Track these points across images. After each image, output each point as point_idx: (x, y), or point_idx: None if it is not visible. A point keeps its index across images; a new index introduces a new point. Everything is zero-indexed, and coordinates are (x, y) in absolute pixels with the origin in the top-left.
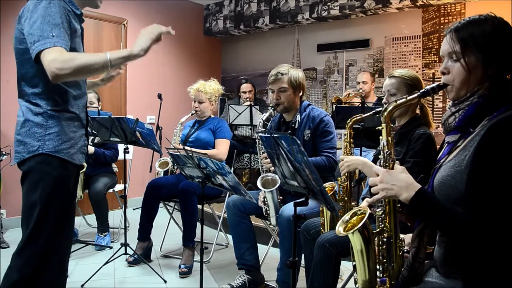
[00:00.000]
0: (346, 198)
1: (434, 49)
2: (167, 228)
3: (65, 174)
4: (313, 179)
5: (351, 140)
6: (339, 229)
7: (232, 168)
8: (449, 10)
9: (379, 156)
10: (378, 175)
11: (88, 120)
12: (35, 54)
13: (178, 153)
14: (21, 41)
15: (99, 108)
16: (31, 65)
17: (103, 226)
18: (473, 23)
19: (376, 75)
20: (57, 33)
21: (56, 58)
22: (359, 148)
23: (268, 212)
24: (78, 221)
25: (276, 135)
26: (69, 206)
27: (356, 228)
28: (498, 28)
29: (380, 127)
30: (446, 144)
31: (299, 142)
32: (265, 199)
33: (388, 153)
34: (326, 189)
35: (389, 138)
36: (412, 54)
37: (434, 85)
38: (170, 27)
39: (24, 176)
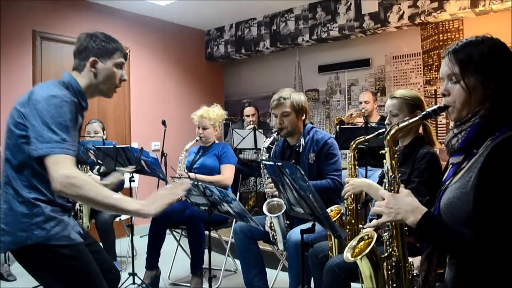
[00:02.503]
0: (353, 221)
1: (434, 66)
2: (175, 255)
3: (65, 256)
4: (319, 207)
5: (356, 162)
6: (347, 255)
7: (238, 193)
8: (447, 27)
9: (384, 180)
10: (383, 199)
11: (74, 203)
12: (38, 154)
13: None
14: (18, 125)
15: (104, 138)
16: (21, 152)
17: (110, 255)
18: (471, 45)
19: (378, 94)
20: (66, 137)
21: (68, 177)
22: (364, 168)
23: (275, 237)
24: None
25: (279, 163)
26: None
27: (364, 253)
28: (494, 48)
29: (383, 151)
30: (451, 166)
31: (302, 172)
32: (272, 224)
33: (392, 176)
34: (333, 212)
35: (393, 162)
36: (413, 71)
37: (435, 107)
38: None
39: (34, 274)
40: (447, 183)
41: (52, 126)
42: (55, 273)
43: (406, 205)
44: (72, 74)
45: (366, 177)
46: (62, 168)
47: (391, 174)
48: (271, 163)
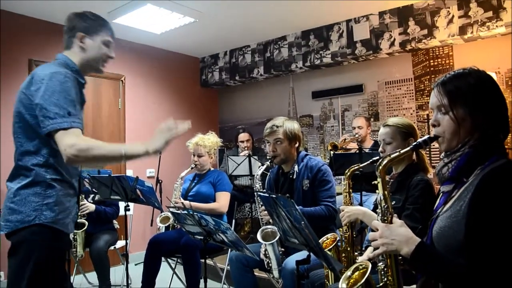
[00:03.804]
0: (349, 249)
1: (426, 91)
2: (170, 283)
3: (60, 245)
4: (314, 239)
5: (350, 190)
6: (342, 285)
7: (234, 219)
8: (437, 53)
9: (377, 210)
10: (377, 229)
11: (80, 187)
12: (48, 131)
13: (178, 211)
14: (27, 108)
15: None
16: (36, 133)
17: (104, 284)
18: (458, 77)
19: (372, 119)
20: (73, 111)
21: (74, 145)
22: (359, 193)
23: (270, 264)
24: (79, 279)
25: (274, 196)
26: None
27: (359, 284)
28: (480, 80)
29: (376, 182)
30: (442, 194)
31: (297, 207)
32: (266, 252)
33: (385, 207)
34: (329, 240)
35: (386, 192)
36: (405, 96)
37: (426, 137)
38: (188, 122)
39: (15, 248)
40: (438, 211)
41: (57, 101)
42: (38, 261)
43: (400, 236)
44: (64, 54)
45: (361, 202)
46: (69, 140)
47: (384, 204)
48: (266, 194)
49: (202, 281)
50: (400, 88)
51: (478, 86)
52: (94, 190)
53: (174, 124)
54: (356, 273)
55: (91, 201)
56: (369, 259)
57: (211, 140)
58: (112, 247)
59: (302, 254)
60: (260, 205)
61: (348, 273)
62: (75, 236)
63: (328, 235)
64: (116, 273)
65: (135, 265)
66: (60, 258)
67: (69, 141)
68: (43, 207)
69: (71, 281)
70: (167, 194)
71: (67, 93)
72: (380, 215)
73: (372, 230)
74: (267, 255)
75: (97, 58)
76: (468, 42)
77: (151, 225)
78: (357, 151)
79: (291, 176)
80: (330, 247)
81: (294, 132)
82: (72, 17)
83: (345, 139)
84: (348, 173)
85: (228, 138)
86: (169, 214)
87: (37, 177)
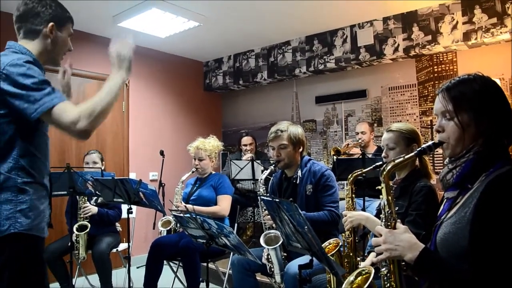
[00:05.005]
0: (351, 254)
1: (430, 97)
2: (172, 287)
3: (37, 252)
4: (316, 243)
5: (353, 196)
6: None
7: (236, 223)
8: (441, 59)
9: (381, 215)
10: (381, 235)
11: (51, 186)
12: (39, 114)
13: (181, 215)
14: None
15: (103, 168)
16: (3, 133)
17: (106, 287)
18: (463, 82)
19: (375, 125)
20: (51, 87)
21: (79, 117)
22: (362, 198)
23: (272, 269)
24: (81, 281)
25: (277, 200)
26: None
27: None
28: (486, 85)
29: (380, 187)
30: (446, 200)
31: (300, 212)
32: (269, 256)
33: (389, 212)
34: (331, 245)
35: (389, 197)
36: (409, 102)
37: (430, 143)
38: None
39: None
40: (442, 218)
41: (34, 85)
42: (12, 273)
43: (404, 242)
44: (21, 43)
45: (364, 207)
46: (70, 115)
47: (387, 209)
48: (269, 198)
49: (204, 285)
50: (403, 94)
51: (483, 92)
52: (97, 192)
53: (122, 41)
54: (359, 278)
55: (94, 204)
56: (372, 264)
57: (212, 143)
58: (114, 250)
59: (304, 259)
60: (263, 210)
61: (351, 278)
62: (78, 238)
63: (331, 240)
64: (118, 276)
65: (137, 268)
66: (38, 265)
67: (72, 116)
68: (17, 214)
69: (73, 284)
70: (170, 197)
71: (38, 73)
72: (383, 220)
73: (375, 236)
74: (270, 260)
75: (61, 52)
76: (472, 48)
77: (154, 228)
78: (360, 156)
79: (294, 181)
80: (333, 252)
81: (298, 137)
82: (33, 2)
83: (348, 144)
84: (351, 178)
85: (231, 142)
86: (170, 218)
87: (7, 182)
